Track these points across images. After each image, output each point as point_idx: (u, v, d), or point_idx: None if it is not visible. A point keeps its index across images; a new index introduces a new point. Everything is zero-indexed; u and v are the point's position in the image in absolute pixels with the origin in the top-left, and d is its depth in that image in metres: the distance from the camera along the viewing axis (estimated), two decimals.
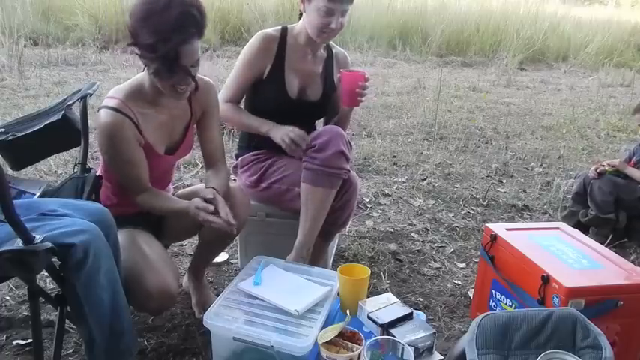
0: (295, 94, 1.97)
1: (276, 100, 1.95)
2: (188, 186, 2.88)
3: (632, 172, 2.69)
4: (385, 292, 1.70)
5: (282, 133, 1.84)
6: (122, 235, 1.52)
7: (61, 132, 1.63)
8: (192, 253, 2.27)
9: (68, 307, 1.42)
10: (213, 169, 1.79)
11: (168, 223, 1.82)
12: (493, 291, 1.81)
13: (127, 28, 1.45)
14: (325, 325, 1.39)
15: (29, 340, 1.64)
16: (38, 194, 1.54)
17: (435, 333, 1.40)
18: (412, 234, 2.68)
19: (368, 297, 1.56)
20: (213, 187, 1.63)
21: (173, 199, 1.66)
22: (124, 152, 1.53)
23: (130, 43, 1.44)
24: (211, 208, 1.52)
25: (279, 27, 1.98)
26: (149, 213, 1.66)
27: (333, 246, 2.25)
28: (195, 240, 2.25)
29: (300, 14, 1.97)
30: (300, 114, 1.93)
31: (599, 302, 1.49)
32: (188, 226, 1.79)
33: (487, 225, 1.88)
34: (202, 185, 1.82)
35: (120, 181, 1.62)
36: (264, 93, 1.95)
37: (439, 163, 3.82)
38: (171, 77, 1.47)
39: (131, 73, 5.66)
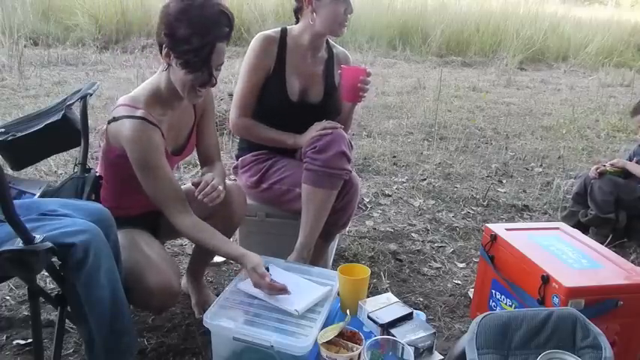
0: (296, 97, 1.96)
1: (277, 103, 1.94)
2: None
3: (632, 167, 2.69)
4: (385, 292, 1.70)
5: (312, 134, 1.84)
6: (121, 235, 1.52)
7: (61, 132, 1.63)
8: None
9: (68, 307, 1.42)
10: (208, 165, 1.80)
11: (165, 220, 1.82)
12: (493, 291, 1.81)
13: (160, 21, 1.46)
14: (325, 325, 1.39)
15: (29, 340, 1.64)
16: (38, 194, 1.54)
17: (435, 333, 1.40)
18: (412, 234, 2.68)
19: (368, 297, 1.56)
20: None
21: (226, 240, 1.61)
22: (156, 159, 1.51)
23: (165, 34, 1.44)
24: (267, 279, 1.50)
25: (279, 28, 1.98)
26: (147, 213, 1.66)
27: (333, 246, 2.25)
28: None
29: (297, 18, 1.97)
30: (301, 116, 1.92)
31: (599, 302, 1.49)
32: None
33: (487, 225, 1.88)
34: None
35: (157, 198, 1.55)
36: (265, 96, 1.94)
37: (439, 163, 3.82)
38: (198, 71, 1.47)
39: (131, 73, 5.66)
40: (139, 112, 1.50)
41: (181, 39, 1.44)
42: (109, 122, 1.55)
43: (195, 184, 1.62)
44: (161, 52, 1.50)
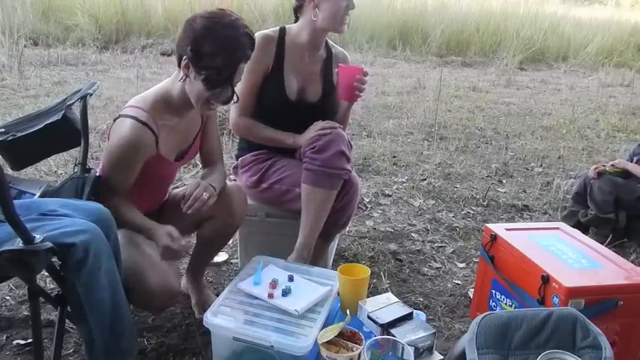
0: (295, 96, 1.96)
1: (275, 102, 1.94)
2: None
3: (633, 167, 2.69)
4: (385, 292, 1.70)
5: (310, 134, 1.84)
6: (121, 235, 1.52)
7: (61, 132, 1.63)
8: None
9: (68, 307, 1.42)
10: (210, 166, 1.81)
11: (165, 221, 1.82)
12: (493, 291, 1.81)
13: (184, 34, 1.48)
14: (325, 325, 1.39)
15: (29, 340, 1.64)
16: (38, 194, 1.54)
17: (435, 333, 1.40)
18: (412, 234, 2.68)
19: (368, 297, 1.56)
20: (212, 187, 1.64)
21: (142, 216, 1.60)
22: (131, 164, 1.54)
23: (190, 49, 1.46)
24: (182, 245, 1.50)
25: (277, 27, 1.98)
26: (146, 214, 1.66)
27: (333, 246, 2.25)
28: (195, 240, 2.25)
29: (297, 17, 1.97)
30: (299, 115, 1.92)
31: (599, 302, 1.49)
32: (185, 225, 1.79)
33: (487, 225, 1.88)
34: None
35: (106, 179, 1.57)
36: (264, 95, 1.95)
37: (439, 163, 3.82)
38: (218, 88, 1.50)
39: (131, 73, 5.66)
40: (144, 117, 1.51)
41: (206, 56, 1.46)
42: (114, 120, 1.56)
43: (180, 197, 1.63)
44: (179, 62, 1.52)
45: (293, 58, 1.95)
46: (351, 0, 1.87)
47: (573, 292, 1.47)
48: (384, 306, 1.49)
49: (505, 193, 3.34)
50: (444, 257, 2.47)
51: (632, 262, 2.35)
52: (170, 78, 1.60)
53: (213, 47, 1.45)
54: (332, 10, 1.85)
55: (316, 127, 1.85)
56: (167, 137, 1.59)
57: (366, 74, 1.85)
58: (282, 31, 1.97)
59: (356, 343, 1.29)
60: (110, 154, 1.54)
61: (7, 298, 1.92)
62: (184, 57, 1.48)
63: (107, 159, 1.56)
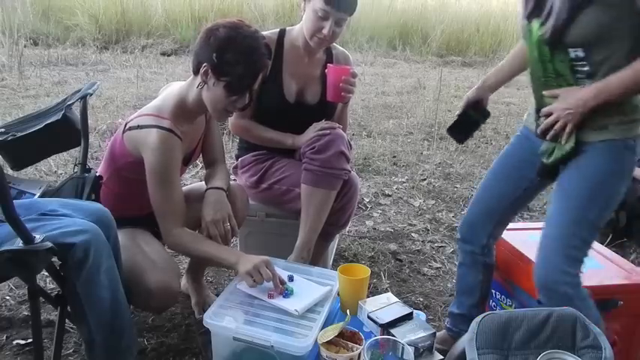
0: (293, 98, 1.96)
1: (274, 104, 1.94)
2: None
3: None
4: (385, 292, 1.70)
5: (310, 135, 1.84)
6: (122, 235, 1.53)
7: (61, 132, 1.63)
8: None
9: (68, 307, 1.42)
10: (212, 167, 1.81)
11: None
12: (493, 291, 1.81)
13: (205, 42, 1.50)
14: (325, 325, 1.39)
15: (29, 340, 1.65)
16: (38, 194, 1.54)
17: (435, 333, 1.40)
18: (412, 234, 2.68)
19: (368, 297, 1.56)
20: (220, 188, 1.67)
21: (217, 246, 1.59)
22: (174, 173, 1.55)
23: (215, 56, 1.48)
24: (269, 279, 1.49)
25: (277, 29, 1.98)
26: (146, 215, 1.66)
27: (333, 246, 2.25)
28: None
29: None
30: (298, 117, 1.92)
31: (599, 302, 1.49)
32: (186, 224, 1.79)
33: None
34: (201, 184, 1.83)
35: (163, 208, 1.55)
36: (263, 97, 1.94)
37: (439, 163, 3.82)
38: (237, 95, 1.53)
39: (131, 73, 5.66)
40: (167, 124, 1.52)
41: (229, 64, 1.48)
42: (129, 129, 1.55)
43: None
44: (196, 69, 1.53)
45: (292, 60, 1.95)
46: (331, 27, 1.78)
47: None
48: (384, 306, 1.49)
49: None
50: (444, 257, 2.47)
51: (632, 262, 2.35)
52: (183, 84, 1.61)
53: (237, 55, 1.48)
54: (307, 23, 1.82)
55: (316, 128, 1.85)
56: (183, 143, 1.60)
57: (354, 75, 1.83)
58: (282, 33, 1.96)
59: (356, 343, 1.29)
60: (154, 175, 1.52)
61: (7, 298, 1.92)
62: (204, 64, 1.50)
63: (154, 181, 1.53)
